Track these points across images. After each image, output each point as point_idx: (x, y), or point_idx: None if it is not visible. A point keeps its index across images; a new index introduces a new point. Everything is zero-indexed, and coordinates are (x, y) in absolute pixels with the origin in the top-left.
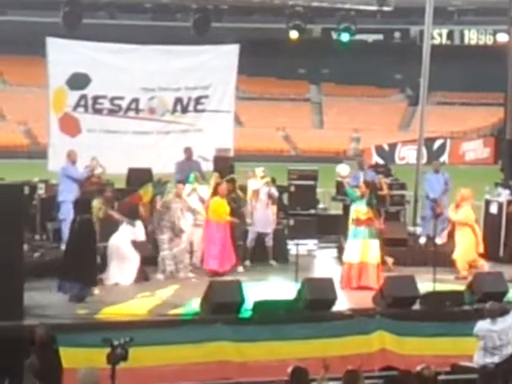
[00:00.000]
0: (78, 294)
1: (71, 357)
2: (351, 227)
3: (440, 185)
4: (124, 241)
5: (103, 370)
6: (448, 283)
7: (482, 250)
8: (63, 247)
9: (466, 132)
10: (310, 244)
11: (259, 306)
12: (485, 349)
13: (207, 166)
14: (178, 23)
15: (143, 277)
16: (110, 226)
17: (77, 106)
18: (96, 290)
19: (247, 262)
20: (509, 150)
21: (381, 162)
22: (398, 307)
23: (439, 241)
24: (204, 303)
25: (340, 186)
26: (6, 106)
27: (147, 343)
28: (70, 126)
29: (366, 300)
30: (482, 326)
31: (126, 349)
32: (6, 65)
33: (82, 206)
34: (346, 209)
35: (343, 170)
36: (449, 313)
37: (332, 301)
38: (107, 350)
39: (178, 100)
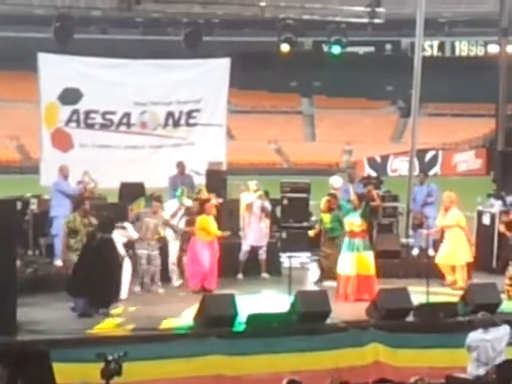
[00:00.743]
0: (86, 310)
1: (65, 372)
2: (345, 239)
3: (423, 196)
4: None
5: None
6: (441, 295)
7: (472, 258)
8: (56, 262)
9: (458, 143)
10: (303, 257)
11: (253, 319)
12: (478, 360)
13: (200, 180)
14: (169, 37)
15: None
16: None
17: (69, 121)
18: (111, 310)
19: (240, 275)
20: (501, 160)
21: (373, 174)
22: (391, 319)
23: (432, 252)
24: (198, 317)
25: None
26: None
27: (141, 358)
28: (62, 141)
29: (359, 312)
30: (475, 336)
31: (120, 363)
32: None
33: (104, 224)
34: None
35: (336, 181)
36: (442, 324)
37: (326, 313)
38: (101, 364)
39: (170, 114)
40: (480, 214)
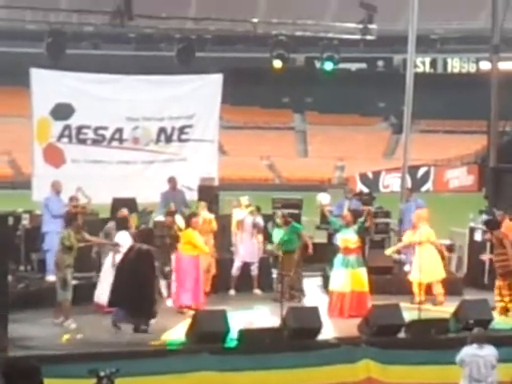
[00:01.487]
0: (127, 321)
1: None
2: (339, 256)
3: (411, 213)
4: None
5: None
6: (433, 311)
7: (443, 275)
8: (48, 278)
9: (450, 160)
10: None
11: (244, 335)
12: (470, 376)
13: (191, 196)
14: (162, 53)
15: None
16: (84, 256)
17: (61, 136)
18: (152, 321)
19: (232, 291)
20: (492, 177)
21: (365, 190)
22: (383, 335)
23: None
24: (189, 333)
25: (324, 215)
26: None
27: (133, 373)
28: (54, 157)
29: (351, 328)
30: (468, 351)
31: (112, 379)
32: None
33: (142, 235)
34: (331, 237)
35: (324, 198)
36: (434, 341)
37: (317, 329)
38: (93, 380)
39: (162, 130)
40: (472, 230)
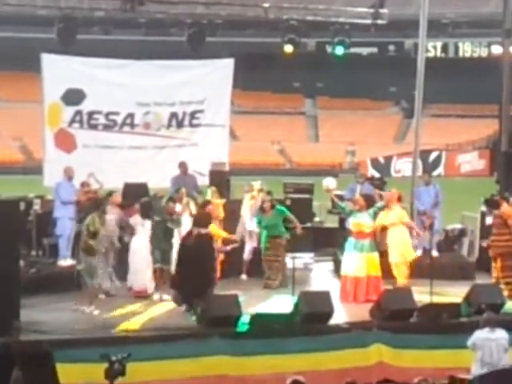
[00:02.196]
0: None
1: (68, 373)
2: (351, 240)
3: (430, 197)
4: (143, 245)
5: None
6: (445, 295)
7: (414, 256)
8: (60, 263)
9: (462, 144)
10: (306, 257)
11: (256, 319)
12: (482, 360)
13: (203, 181)
14: (173, 38)
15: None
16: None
17: (72, 121)
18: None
19: (244, 276)
20: (504, 161)
21: (376, 174)
22: (395, 320)
23: (436, 253)
24: (201, 317)
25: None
26: (1, 122)
27: (145, 358)
28: (65, 142)
29: (362, 313)
30: (480, 334)
31: (124, 364)
32: (1, 80)
33: (200, 219)
34: (342, 222)
35: (331, 183)
36: (446, 325)
37: (329, 314)
38: (105, 365)
39: (173, 115)
40: (483, 214)
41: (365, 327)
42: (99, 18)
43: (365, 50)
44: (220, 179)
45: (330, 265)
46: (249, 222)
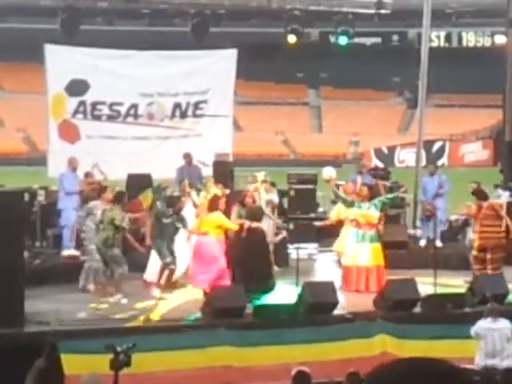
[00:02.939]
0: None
1: (73, 363)
2: (353, 230)
3: (434, 187)
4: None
5: (106, 376)
6: (449, 286)
7: None
8: (64, 253)
9: (465, 134)
10: (310, 248)
11: (260, 310)
12: (485, 350)
13: (206, 171)
14: (176, 28)
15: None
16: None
17: (76, 112)
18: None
19: None
20: (508, 151)
21: (380, 165)
22: (399, 310)
23: (440, 243)
24: (205, 308)
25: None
26: (5, 113)
27: (150, 349)
28: (69, 133)
29: (366, 303)
30: (483, 324)
31: (129, 355)
32: (5, 72)
33: (252, 213)
34: None
35: (332, 172)
36: (450, 315)
37: (333, 304)
38: (110, 356)
39: (177, 105)
40: None
41: (369, 317)
42: (102, 8)
43: (368, 40)
44: (224, 170)
45: (334, 255)
46: None
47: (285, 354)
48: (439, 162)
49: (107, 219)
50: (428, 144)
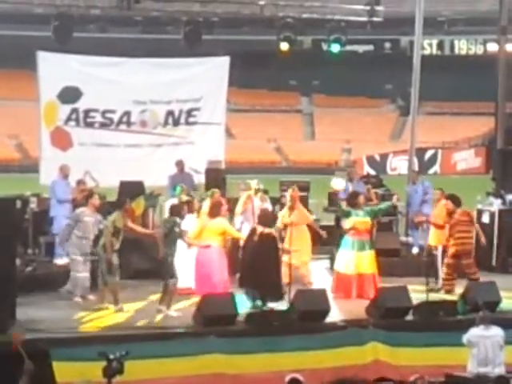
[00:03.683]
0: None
1: (65, 371)
2: (349, 238)
3: (418, 195)
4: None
5: (99, 383)
6: (441, 293)
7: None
8: (56, 261)
9: (458, 142)
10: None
11: (252, 317)
12: (478, 357)
13: (199, 179)
14: (169, 35)
15: None
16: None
17: (68, 119)
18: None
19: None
20: (500, 159)
21: (372, 172)
22: (391, 318)
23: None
24: (197, 315)
25: (332, 198)
26: None
27: (142, 356)
28: (61, 140)
29: (359, 311)
30: (475, 332)
31: (122, 362)
32: None
33: (264, 218)
34: (338, 220)
35: (340, 184)
36: (442, 323)
37: (325, 312)
38: (102, 363)
39: (170, 113)
40: (479, 212)
41: (361, 325)
42: (95, 15)
43: (361, 48)
44: (216, 177)
45: (327, 262)
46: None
47: (277, 361)
48: (431, 170)
49: (109, 224)
50: (420, 152)
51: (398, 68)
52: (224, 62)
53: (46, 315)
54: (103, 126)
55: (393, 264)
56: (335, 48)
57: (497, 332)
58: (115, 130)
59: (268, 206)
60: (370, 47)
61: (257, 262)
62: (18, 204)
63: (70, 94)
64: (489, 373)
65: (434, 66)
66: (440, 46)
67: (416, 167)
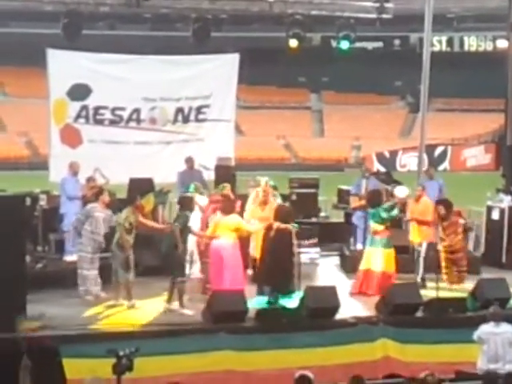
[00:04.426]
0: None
1: (75, 368)
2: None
3: (434, 191)
4: None
5: (108, 380)
6: (451, 290)
7: None
8: (66, 258)
9: (467, 138)
10: (312, 252)
11: (262, 314)
12: (488, 354)
13: (208, 176)
14: (178, 33)
15: None
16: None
17: (78, 116)
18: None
19: (250, 271)
20: (510, 155)
21: (382, 169)
22: (401, 314)
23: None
24: (206, 312)
25: (342, 195)
26: (7, 118)
27: (152, 353)
28: (71, 137)
29: (368, 307)
30: (485, 328)
31: (132, 359)
32: (7, 76)
33: (282, 213)
34: (348, 217)
35: (403, 192)
36: (452, 319)
37: (335, 309)
38: (112, 360)
39: (179, 110)
40: (489, 209)
41: (371, 322)
42: (105, 13)
43: (370, 45)
44: (226, 174)
45: (336, 260)
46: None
47: (286, 358)
48: (441, 167)
49: (122, 221)
50: (430, 148)
51: (407, 65)
52: (233, 59)
53: (56, 312)
54: (113, 123)
55: (403, 261)
56: (344, 45)
57: (507, 329)
58: (125, 128)
59: (278, 202)
60: (380, 44)
61: (272, 257)
62: (28, 201)
63: (79, 92)
64: (499, 369)
65: (443, 62)
66: (449, 42)
67: (426, 164)
